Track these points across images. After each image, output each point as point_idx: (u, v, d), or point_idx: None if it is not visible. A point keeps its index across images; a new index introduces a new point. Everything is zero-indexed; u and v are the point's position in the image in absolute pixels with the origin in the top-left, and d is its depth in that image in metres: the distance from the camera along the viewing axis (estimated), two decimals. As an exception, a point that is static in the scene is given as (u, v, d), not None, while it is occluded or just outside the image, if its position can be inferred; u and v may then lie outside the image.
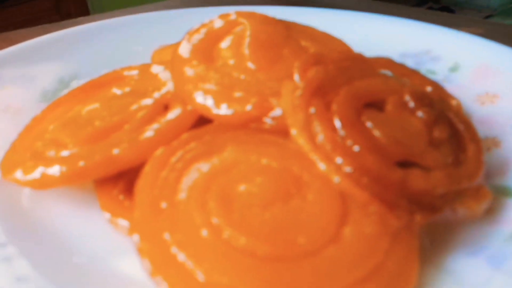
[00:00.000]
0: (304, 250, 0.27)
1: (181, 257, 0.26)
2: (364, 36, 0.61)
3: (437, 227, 0.32)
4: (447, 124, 0.35)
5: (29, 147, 0.37)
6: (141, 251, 0.27)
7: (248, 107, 0.35)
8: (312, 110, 0.32)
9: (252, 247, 0.26)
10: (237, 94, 0.36)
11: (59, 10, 1.28)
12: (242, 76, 0.38)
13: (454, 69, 0.53)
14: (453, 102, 0.39)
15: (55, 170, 0.33)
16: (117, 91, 0.43)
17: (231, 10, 0.68)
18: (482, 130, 0.43)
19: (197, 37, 0.42)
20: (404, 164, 0.32)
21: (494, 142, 0.42)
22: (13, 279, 0.28)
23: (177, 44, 0.42)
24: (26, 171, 0.34)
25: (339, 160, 0.29)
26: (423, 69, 0.54)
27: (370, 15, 0.64)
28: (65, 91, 0.50)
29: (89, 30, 0.58)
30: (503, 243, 0.31)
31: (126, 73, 0.45)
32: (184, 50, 0.41)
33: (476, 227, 0.33)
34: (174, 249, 0.27)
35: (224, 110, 0.35)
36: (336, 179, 0.28)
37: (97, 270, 0.30)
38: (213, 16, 0.65)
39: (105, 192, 0.33)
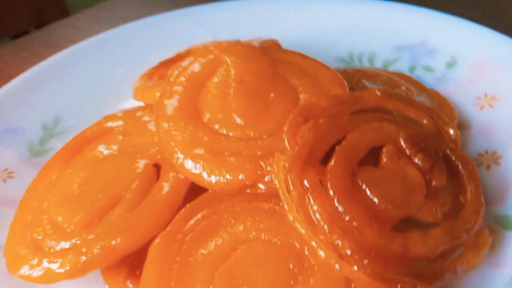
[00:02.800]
0: None
1: None
2: (356, 26, 0.58)
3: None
4: (444, 167, 0.34)
5: (28, 233, 0.37)
6: None
7: (241, 176, 0.34)
8: (306, 183, 0.31)
9: None
10: (229, 159, 0.35)
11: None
12: (231, 134, 0.37)
13: (451, 64, 0.50)
14: (451, 132, 0.38)
15: (58, 266, 0.33)
16: (104, 150, 0.41)
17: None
18: (481, 142, 0.43)
19: (179, 88, 0.40)
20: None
21: (494, 158, 0.41)
22: None
23: (160, 96, 0.40)
24: (32, 267, 0.34)
25: (338, 242, 0.29)
26: (420, 66, 0.52)
27: (363, 1, 0.60)
28: (52, 141, 0.49)
29: (62, 61, 0.55)
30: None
31: (110, 124, 0.43)
32: (168, 106, 0.39)
33: (475, 273, 0.33)
34: None
35: (217, 178, 0.34)
36: (337, 266, 0.28)
37: None
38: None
39: (112, 280, 0.34)
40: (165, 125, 0.38)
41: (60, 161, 0.42)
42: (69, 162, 0.42)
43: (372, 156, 0.34)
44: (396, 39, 0.55)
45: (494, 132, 0.43)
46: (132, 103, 0.49)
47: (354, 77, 0.46)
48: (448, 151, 0.36)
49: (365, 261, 0.28)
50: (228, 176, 0.34)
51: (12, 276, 0.36)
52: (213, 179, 0.34)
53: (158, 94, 0.42)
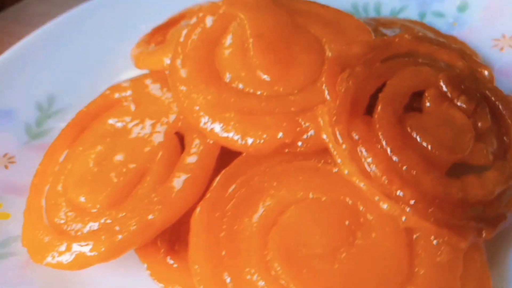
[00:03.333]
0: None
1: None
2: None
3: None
4: (487, 108, 0.33)
5: (46, 219, 0.33)
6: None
7: (280, 135, 0.31)
8: (354, 135, 0.29)
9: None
10: (263, 118, 0.32)
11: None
12: (259, 92, 0.34)
13: (463, 8, 0.49)
14: (485, 73, 0.36)
15: (91, 249, 0.30)
16: (115, 123, 0.38)
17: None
18: (507, 84, 0.42)
19: (191, 48, 0.36)
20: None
21: (524, 98, 0.40)
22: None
23: (172, 59, 0.37)
24: (60, 254, 0.31)
25: (399, 193, 0.27)
26: (430, 12, 0.50)
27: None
28: (50, 122, 0.45)
29: (48, 37, 0.50)
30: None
31: (117, 95, 0.40)
32: (183, 69, 0.35)
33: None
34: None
35: (252, 140, 0.32)
36: (403, 218, 0.27)
37: None
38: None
39: (151, 258, 0.31)
40: (184, 88, 0.34)
41: (66, 140, 0.39)
42: (76, 140, 0.39)
43: (411, 102, 0.32)
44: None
45: (518, 72, 0.42)
46: (129, 74, 0.45)
47: (371, 26, 0.44)
48: (487, 92, 0.34)
49: (430, 210, 0.27)
50: (265, 136, 0.31)
51: (33, 267, 0.33)
52: (249, 141, 0.32)
53: (165, 59, 0.39)
